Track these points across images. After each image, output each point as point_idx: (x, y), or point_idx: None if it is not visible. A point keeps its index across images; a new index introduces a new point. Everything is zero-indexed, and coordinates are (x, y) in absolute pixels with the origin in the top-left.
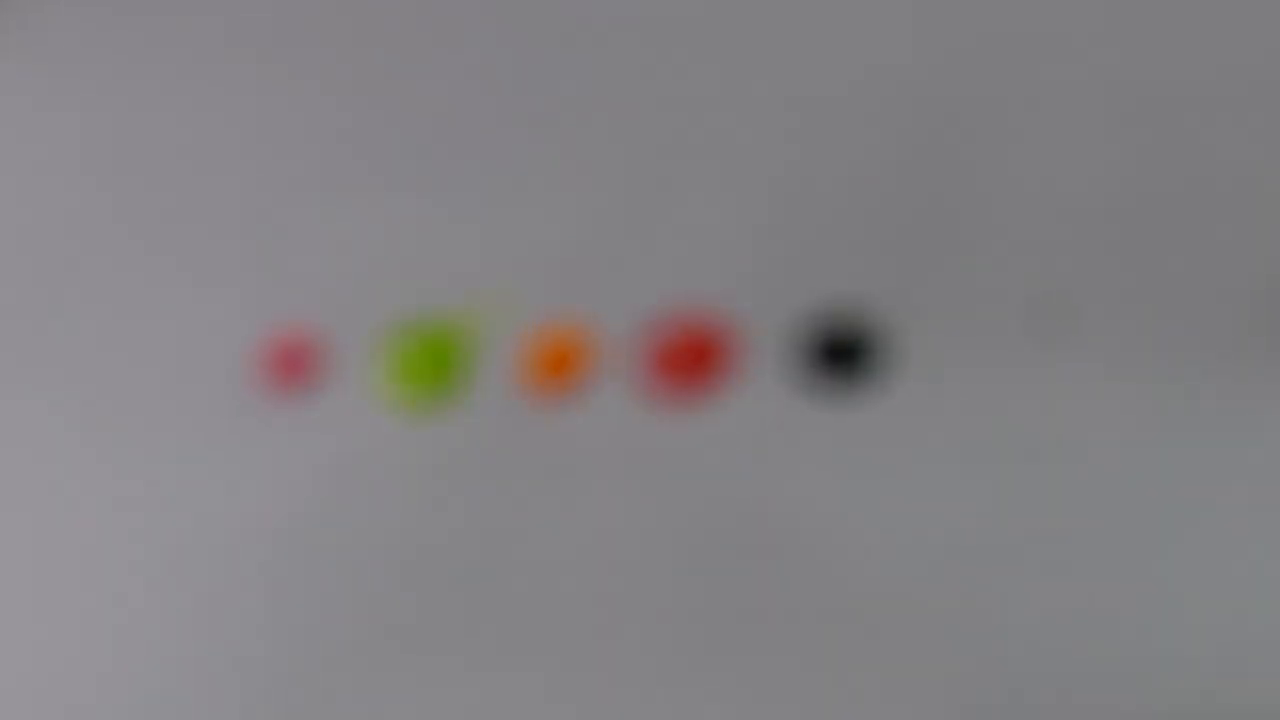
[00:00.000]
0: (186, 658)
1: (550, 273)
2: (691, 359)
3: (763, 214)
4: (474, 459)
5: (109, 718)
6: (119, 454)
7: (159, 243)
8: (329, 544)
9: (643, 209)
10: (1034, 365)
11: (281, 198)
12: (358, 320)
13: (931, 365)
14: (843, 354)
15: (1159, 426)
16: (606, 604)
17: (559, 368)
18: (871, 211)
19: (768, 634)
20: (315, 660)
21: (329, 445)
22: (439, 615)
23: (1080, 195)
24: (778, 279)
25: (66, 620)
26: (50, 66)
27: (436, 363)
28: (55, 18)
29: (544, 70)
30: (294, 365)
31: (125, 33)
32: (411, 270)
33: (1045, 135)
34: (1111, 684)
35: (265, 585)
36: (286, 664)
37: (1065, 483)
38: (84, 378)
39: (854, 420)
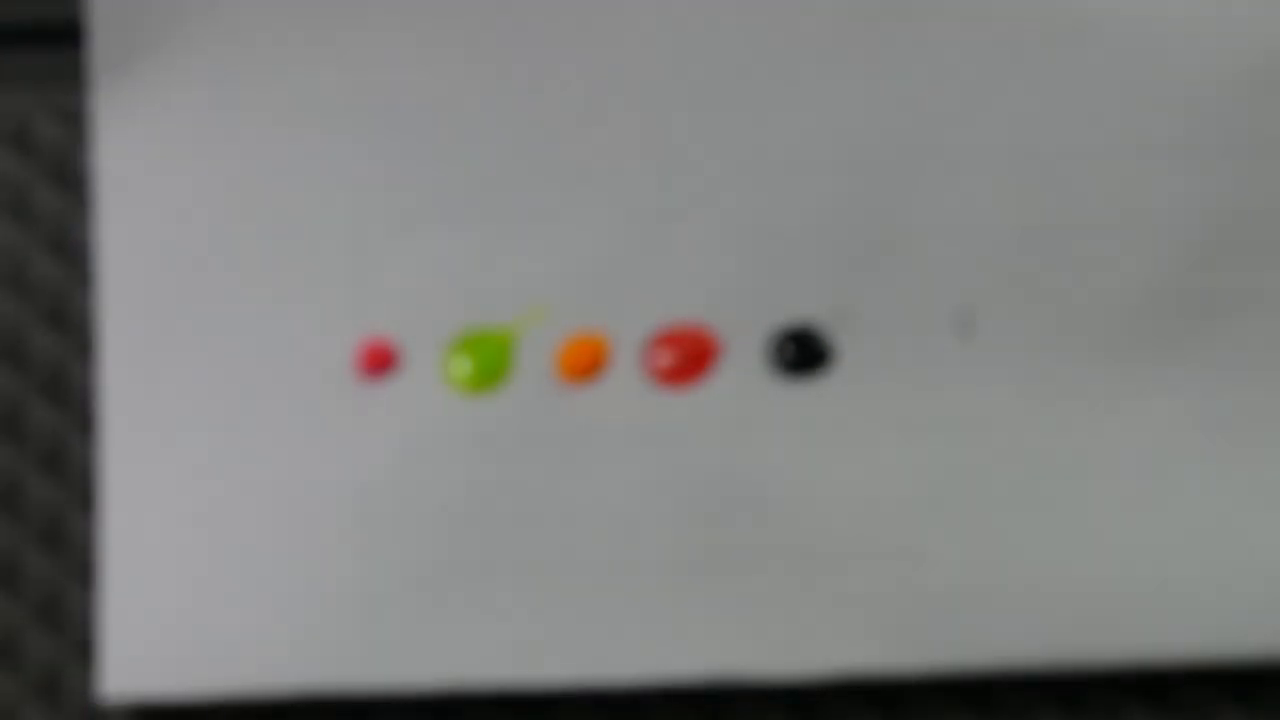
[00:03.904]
0: (293, 588)
1: (578, 291)
2: (688, 358)
3: (741, 246)
4: (518, 434)
5: (228, 628)
6: (246, 427)
7: (277, 267)
8: (406, 498)
9: (649, 243)
10: (953, 362)
11: (368, 233)
12: (428, 328)
13: (873, 362)
14: (804, 353)
15: (1051, 411)
16: (620, 544)
17: (584, 364)
18: (826, 242)
19: (745, 568)
20: (396, 589)
21: (407, 423)
22: (490, 554)
23: (988, 228)
24: (753, 295)
25: (202, 547)
26: (178, 123)
27: (489, 361)
28: (181, 85)
29: (571, 136)
30: (380, 362)
31: (241, 99)
32: (470, 289)
33: (960, 182)
34: (1012, 610)
35: (357, 529)
36: (374, 592)
37: (977, 454)
38: (220, 369)
39: (812, 405)
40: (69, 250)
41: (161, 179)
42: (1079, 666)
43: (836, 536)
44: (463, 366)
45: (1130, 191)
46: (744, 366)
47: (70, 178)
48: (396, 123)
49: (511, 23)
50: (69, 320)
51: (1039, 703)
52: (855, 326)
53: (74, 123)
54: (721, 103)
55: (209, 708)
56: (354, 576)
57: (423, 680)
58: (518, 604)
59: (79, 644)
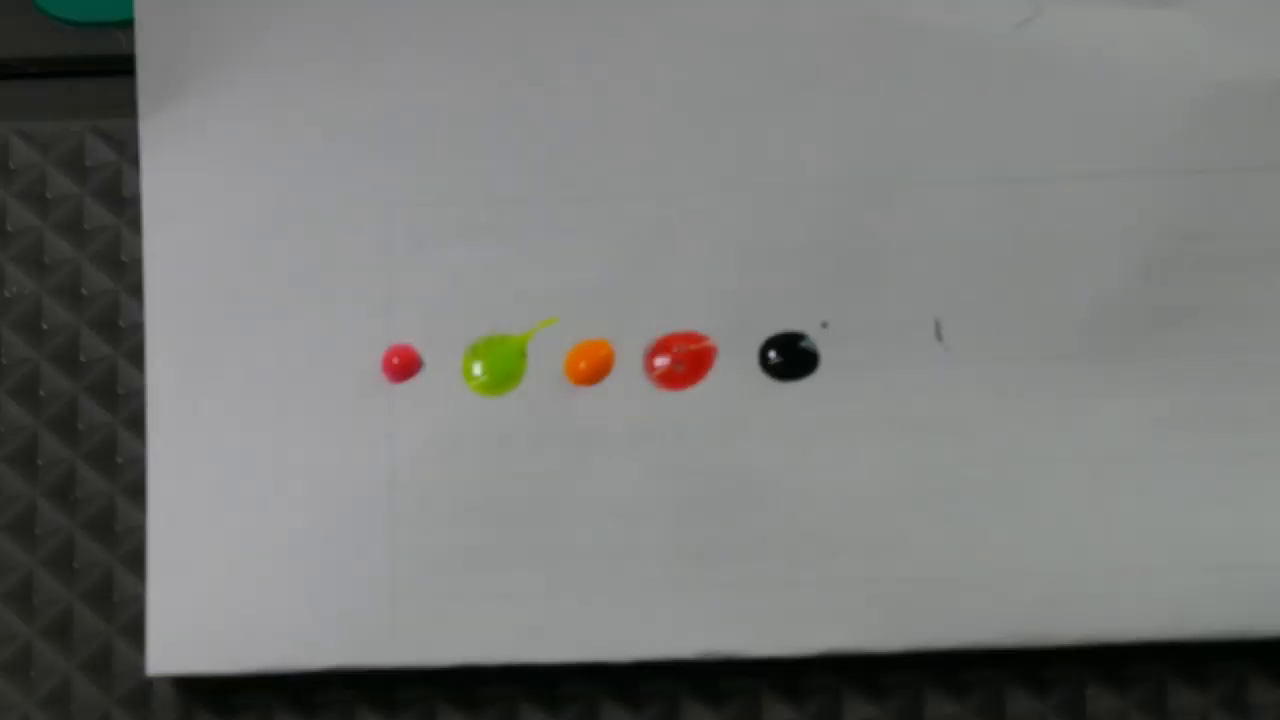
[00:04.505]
0: (325, 574)
1: (585, 304)
2: (684, 364)
3: (734, 262)
4: (530, 433)
5: (265, 611)
6: (280, 428)
7: (308, 282)
8: (427, 490)
9: (650, 260)
10: (925, 368)
11: (394, 249)
12: (449, 337)
13: (854, 368)
14: (793, 361)
15: (1017, 413)
16: (623, 533)
17: (591, 371)
18: (812, 259)
19: (737, 555)
20: (419, 574)
21: (428, 424)
22: (505, 542)
23: (960, 246)
24: (745, 307)
25: (239, 536)
26: (217, 148)
27: (504, 366)
28: (220, 114)
29: (581, 161)
30: (404, 368)
31: (275, 126)
32: (486, 301)
33: (933, 205)
34: (983, 594)
35: (382, 518)
36: (399, 576)
37: (950, 452)
38: (257, 373)
39: (800, 407)
40: (120, 264)
41: (202, 200)
42: (1044, 644)
43: (823, 527)
44: (478, 372)
45: (1086, 213)
46: (738, 372)
47: (120, 197)
48: (418, 151)
49: (528, 57)
50: (120, 327)
51: (1008, 677)
52: (839, 336)
53: (124, 148)
54: (715, 134)
55: (247, 677)
56: (380, 563)
57: (443, 660)
58: (529, 588)
59: (128, 624)
